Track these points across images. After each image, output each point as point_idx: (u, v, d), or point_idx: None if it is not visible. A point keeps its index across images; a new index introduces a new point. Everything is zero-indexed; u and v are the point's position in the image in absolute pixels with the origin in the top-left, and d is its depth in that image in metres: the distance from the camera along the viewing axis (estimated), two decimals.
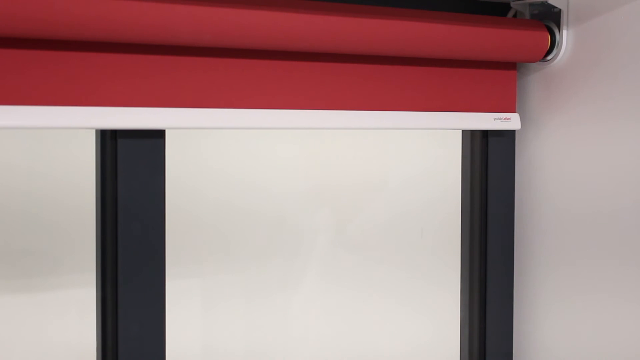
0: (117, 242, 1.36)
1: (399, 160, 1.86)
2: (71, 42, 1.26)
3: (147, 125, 1.34)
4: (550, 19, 1.67)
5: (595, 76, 1.62)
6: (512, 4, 1.74)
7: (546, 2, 1.67)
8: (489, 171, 1.75)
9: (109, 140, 1.36)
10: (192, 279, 1.61)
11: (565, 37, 1.66)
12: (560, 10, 1.66)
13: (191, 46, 1.36)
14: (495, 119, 1.69)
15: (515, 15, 1.74)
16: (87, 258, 1.43)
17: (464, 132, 1.78)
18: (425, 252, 1.87)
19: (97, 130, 1.37)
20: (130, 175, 1.36)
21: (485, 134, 1.75)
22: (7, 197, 1.41)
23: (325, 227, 1.77)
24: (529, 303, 1.76)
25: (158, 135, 1.38)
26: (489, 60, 1.66)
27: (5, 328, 1.44)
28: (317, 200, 1.76)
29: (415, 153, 1.87)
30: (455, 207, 1.80)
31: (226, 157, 1.63)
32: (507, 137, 1.77)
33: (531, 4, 1.71)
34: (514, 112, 1.72)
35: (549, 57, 1.67)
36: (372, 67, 1.54)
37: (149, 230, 1.39)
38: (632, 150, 1.56)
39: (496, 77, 1.68)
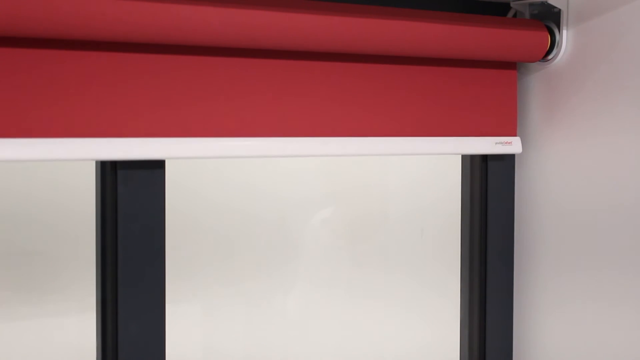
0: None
1: (398, 162, 1.86)
2: (69, 74, 1.26)
3: (146, 156, 1.34)
4: (550, 19, 1.67)
5: (595, 76, 1.62)
6: (512, 4, 1.74)
7: (546, 2, 1.67)
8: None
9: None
10: (192, 281, 1.61)
11: (565, 37, 1.66)
12: (560, 10, 1.66)
13: (191, 72, 1.36)
14: (496, 143, 1.68)
15: (515, 15, 1.74)
16: (88, 258, 1.43)
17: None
18: (425, 254, 1.87)
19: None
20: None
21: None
22: (8, 197, 1.41)
23: (324, 229, 1.77)
24: (529, 303, 1.75)
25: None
26: (488, 60, 1.66)
27: (5, 328, 1.43)
28: (318, 203, 1.76)
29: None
30: (455, 208, 1.80)
31: (227, 160, 1.63)
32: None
33: (531, 4, 1.71)
34: (515, 135, 1.71)
35: (548, 57, 1.67)
36: (370, 88, 1.54)
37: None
38: (633, 156, 1.56)
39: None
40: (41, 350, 1.47)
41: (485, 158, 1.73)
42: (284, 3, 1.37)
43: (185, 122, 1.36)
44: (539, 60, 1.69)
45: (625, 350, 1.58)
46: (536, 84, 1.73)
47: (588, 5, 1.62)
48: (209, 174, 1.62)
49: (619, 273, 1.59)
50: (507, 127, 1.70)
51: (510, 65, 1.70)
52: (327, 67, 1.49)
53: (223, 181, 1.63)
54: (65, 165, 1.45)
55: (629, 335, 1.58)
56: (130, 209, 1.36)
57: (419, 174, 1.87)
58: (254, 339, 1.69)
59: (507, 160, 1.76)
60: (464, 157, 1.77)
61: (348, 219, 1.80)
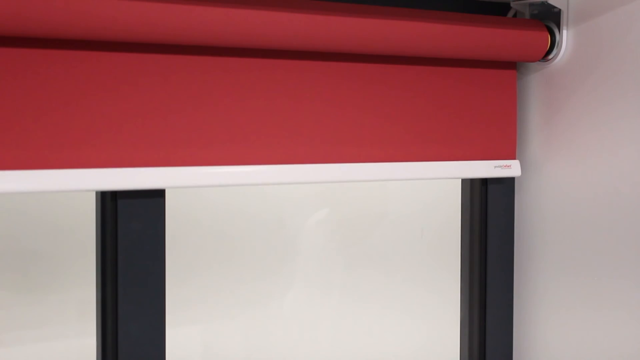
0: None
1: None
2: (68, 105, 1.26)
3: (146, 186, 1.34)
4: (550, 19, 1.67)
5: (595, 76, 1.62)
6: (512, 4, 1.74)
7: (546, 2, 1.67)
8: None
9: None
10: (190, 283, 1.60)
11: (565, 37, 1.66)
12: (560, 10, 1.66)
13: (190, 102, 1.36)
14: (495, 166, 1.68)
15: (515, 15, 1.74)
16: (88, 258, 1.43)
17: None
18: (424, 255, 1.87)
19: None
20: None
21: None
22: (9, 198, 1.41)
23: (322, 230, 1.77)
24: (529, 303, 1.75)
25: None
26: (488, 60, 1.66)
27: (5, 328, 1.43)
28: (316, 204, 1.76)
29: None
30: (455, 208, 1.80)
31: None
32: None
33: (531, 4, 1.71)
34: (514, 158, 1.71)
35: (548, 57, 1.67)
36: (369, 109, 1.54)
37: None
38: (633, 159, 1.56)
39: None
40: (41, 351, 1.47)
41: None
42: (282, 3, 1.37)
43: (185, 151, 1.36)
44: (539, 60, 1.69)
45: (624, 350, 1.58)
46: (536, 84, 1.73)
47: (588, 5, 1.62)
48: None
49: (618, 277, 1.59)
50: (506, 150, 1.70)
51: (510, 65, 1.70)
52: (326, 86, 1.49)
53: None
54: None
55: (629, 336, 1.58)
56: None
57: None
58: (251, 339, 1.69)
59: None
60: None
61: (347, 220, 1.80)
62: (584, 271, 1.65)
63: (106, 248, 1.37)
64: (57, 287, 1.47)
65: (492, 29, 1.58)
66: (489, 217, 1.74)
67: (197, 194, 1.59)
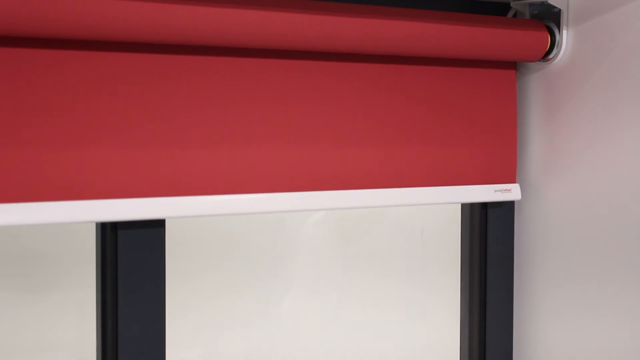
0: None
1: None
2: (66, 137, 1.26)
3: (147, 216, 1.33)
4: (550, 19, 1.67)
5: (595, 76, 1.62)
6: (512, 4, 1.74)
7: (546, 2, 1.67)
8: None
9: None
10: (190, 284, 1.60)
11: (565, 37, 1.66)
12: (560, 10, 1.66)
13: (188, 132, 1.36)
14: (495, 190, 1.68)
15: (515, 15, 1.74)
16: (88, 258, 1.43)
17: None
18: (424, 256, 1.87)
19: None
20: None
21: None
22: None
23: (322, 231, 1.77)
24: (529, 304, 1.75)
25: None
26: (488, 60, 1.66)
27: (5, 328, 1.43)
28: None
29: None
30: (455, 208, 1.80)
31: None
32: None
33: (531, 4, 1.71)
34: (514, 182, 1.71)
35: (548, 57, 1.67)
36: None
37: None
38: (633, 162, 1.56)
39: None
40: (42, 351, 1.47)
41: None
42: (281, 3, 1.37)
43: (185, 180, 1.36)
44: (539, 60, 1.69)
45: (625, 350, 1.58)
46: (536, 84, 1.73)
47: (588, 5, 1.62)
48: None
49: (618, 283, 1.59)
50: (506, 173, 1.70)
51: (510, 65, 1.70)
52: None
53: None
54: None
55: (629, 336, 1.58)
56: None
57: None
58: (251, 340, 1.69)
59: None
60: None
61: (346, 221, 1.80)
62: (583, 279, 1.65)
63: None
64: (57, 288, 1.47)
65: (492, 29, 1.58)
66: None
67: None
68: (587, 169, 1.64)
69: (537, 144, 1.73)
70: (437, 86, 1.61)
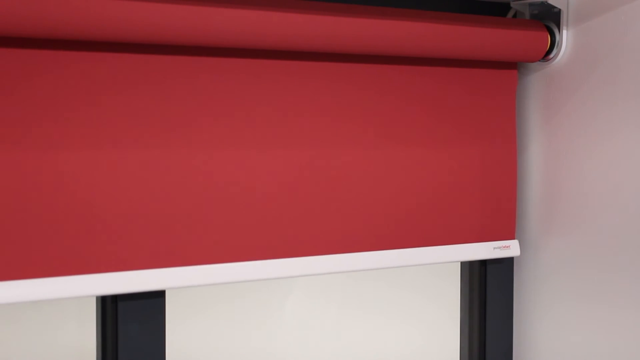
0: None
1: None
2: (63, 213, 1.25)
3: (147, 288, 1.33)
4: (550, 19, 1.67)
5: (595, 76, 1.62)
6: (512, 4, 1.74)
7: (546, 2, 1.67)
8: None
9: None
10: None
11: (565, 37, 1.66)
12: (560, 10, 1.66)
13: (188, 203, 1.35)
14: (494, 247, 1.68)
15: (515, 15, 1.74)
16: None
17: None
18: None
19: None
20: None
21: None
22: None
23: None
24: (529, 304, 1.75)
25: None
26: (488, 60, 1.66)
27: (5, 328, 1.43)
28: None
29: None
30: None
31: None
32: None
33: (531, 4, 1.71)
34: (513, 238, 1.71)
35: (548, 57, 1.67)
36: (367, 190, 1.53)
37: None
38: (634, 165, 1.57)
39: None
40: (41, 351, 1.47)
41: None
42: (280, 3, 1.37)
43: (184, 250, 1.35)
44: (539, 60, 1.69)
45: (624, 350, 1.58)
46: (536, 84, 1.73)
47: (588, 5, 1.62)
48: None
49: (620, 269, 1.59)
50: (505, 230, 1.70)
51: (510, 66, 1.70)
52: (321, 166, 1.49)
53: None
54: None
55: (629, 336, 1.58)
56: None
57: None
58: (252, 344, 1.69)
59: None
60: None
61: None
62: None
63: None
64: None
65: (492, 29, 1.58)
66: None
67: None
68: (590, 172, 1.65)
69: (537, 145, 1.73)
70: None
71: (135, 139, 1.30)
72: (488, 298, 1.73)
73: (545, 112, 1.71)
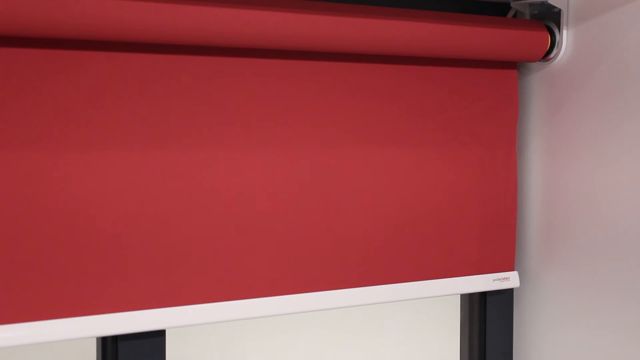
0: None
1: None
2: (63, 251, 1.25)
3: (147, 328, 1.33)
4: (550, 19, 1.67)
5: (595, 76, 1.62)
6: (512, 4, 1.74)
7: (546, 2, 1.67)
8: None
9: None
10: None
11: (565, 37, 1.66)
12: (560, 10, 1.66)
13: (188, 240, 1.35)
14: (494, 279, 1.68)
15: (515, 15, 1.74)
16: None
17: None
18: None
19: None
20: None
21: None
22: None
23: None
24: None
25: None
26: (488, 61, 1.66)
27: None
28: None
29: None
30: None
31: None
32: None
33: (531, 4, 1.71)
34: (512, 269, 1.71)
35: (549, 57, 1.67)
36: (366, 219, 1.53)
37: None
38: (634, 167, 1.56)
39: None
40: (41, 351, 1.47)
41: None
42: (280, 3, 1.37)
43: (184, 290, 1.35)
44: (539, 60, 1.69)
45: (625, 351, 1.58)
46: (536, 84, 1.73)
47: (588, 5, 1.62)
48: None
49: (620, 270, 1.59)
50: (504, 261, 1.70)
51: (511, 65, 1.70)
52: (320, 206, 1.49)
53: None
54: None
55: (629, 336, 1.58)
56: None
57: None
58: (252, 342, 1.69)
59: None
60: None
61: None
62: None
63: None
64: None
65: (492, 29, 1.58)
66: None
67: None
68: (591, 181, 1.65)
69: (537, 145, 1.73)
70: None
71: (134, 166, 1.30)
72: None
73: (545, 112, 1.71)
